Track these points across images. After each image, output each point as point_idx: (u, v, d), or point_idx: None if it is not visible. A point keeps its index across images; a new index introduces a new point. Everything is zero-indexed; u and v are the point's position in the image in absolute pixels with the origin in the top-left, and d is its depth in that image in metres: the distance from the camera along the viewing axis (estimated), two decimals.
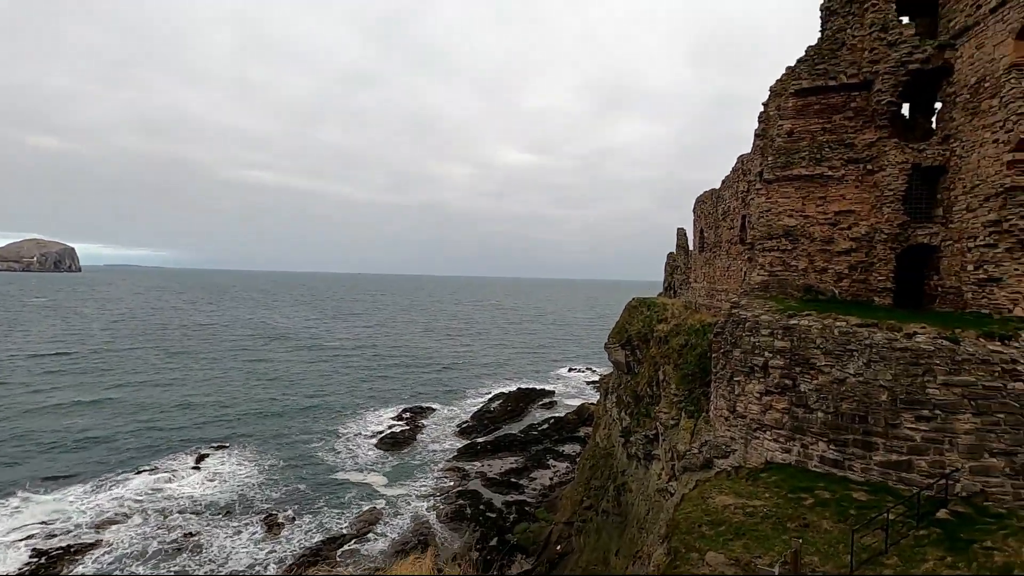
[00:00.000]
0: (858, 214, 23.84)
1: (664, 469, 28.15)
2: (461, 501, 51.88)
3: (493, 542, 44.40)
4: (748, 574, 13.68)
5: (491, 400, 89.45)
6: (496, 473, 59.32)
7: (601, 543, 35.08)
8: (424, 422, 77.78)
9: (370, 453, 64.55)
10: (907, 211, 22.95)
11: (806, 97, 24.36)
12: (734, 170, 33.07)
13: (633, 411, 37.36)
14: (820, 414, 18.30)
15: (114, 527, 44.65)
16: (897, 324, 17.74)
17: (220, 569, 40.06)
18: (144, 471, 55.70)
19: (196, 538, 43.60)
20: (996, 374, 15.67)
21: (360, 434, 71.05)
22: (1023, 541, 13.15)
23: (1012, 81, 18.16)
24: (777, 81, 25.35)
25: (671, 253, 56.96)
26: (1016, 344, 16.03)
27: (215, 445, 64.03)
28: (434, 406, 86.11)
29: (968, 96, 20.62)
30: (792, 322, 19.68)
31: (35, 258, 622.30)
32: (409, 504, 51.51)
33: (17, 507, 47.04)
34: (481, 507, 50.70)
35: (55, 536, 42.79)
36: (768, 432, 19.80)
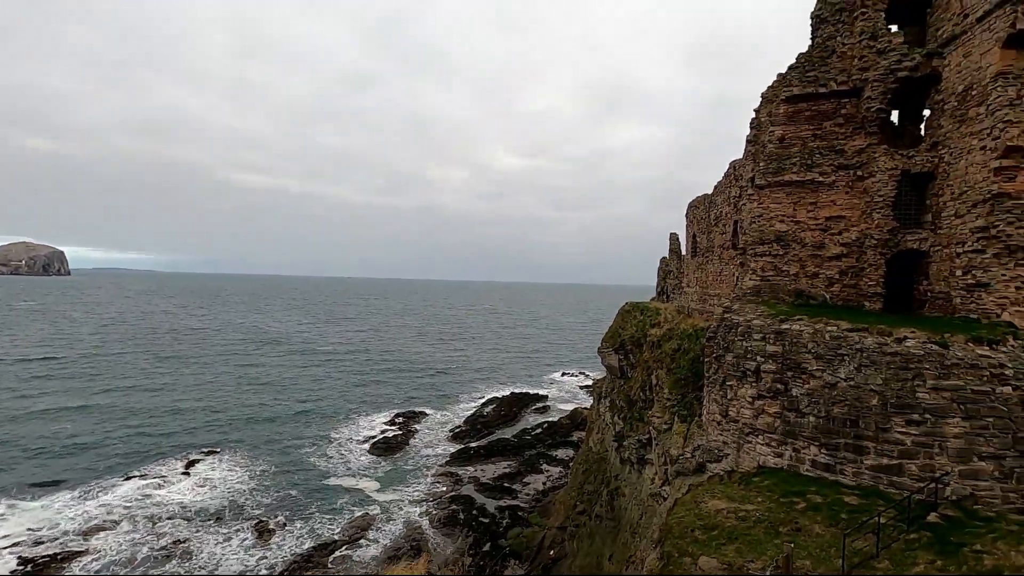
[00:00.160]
0: (848, 220, 24.09)
1: (657, 473, 28.19)
2: (454, 506, 51.70)
3: (486, 547, 44.26)
4: None
5: (484, 405, 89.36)
6: (489, 478, 59.20)
7: (594, 548, 35.04)
8: (417, 427, 77.52)
9: (362, 458, 64.24)
10: (897, 217, 23.22)
11: (797, 104, 24.65)
12: (726, 175, 33.32)
13: (626, 415, 37.42)
14: (812, 418, 18.40)
15: (102, 534, 44.13)
16: (887, 329, 17.91)
17: None
18: (133, 477, 55.15)
19: (186, 545, 43.17)
20: (985, 378, 15.83)
21: (352, 439, 70.70)
22: (1012, 544, 13.25)
23: (998, 89, 18.44)
24: (768, 88, 25.62)
25: (664, 258, 57.20)
26: (1004, 349, 16.22)
27: (205, 450, 63.55)
28: (427, 411, 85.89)
29: (956, 104, 20.90)
30: (784, 327, 19.81)
31: (23, 261, 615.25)
32: (402, 509, 51.26)
33: (3, 514, 46.41)
34: (474, 512, 50.55)
35: (42, 543, 42.26)
36: (760, 436, 19.89)
